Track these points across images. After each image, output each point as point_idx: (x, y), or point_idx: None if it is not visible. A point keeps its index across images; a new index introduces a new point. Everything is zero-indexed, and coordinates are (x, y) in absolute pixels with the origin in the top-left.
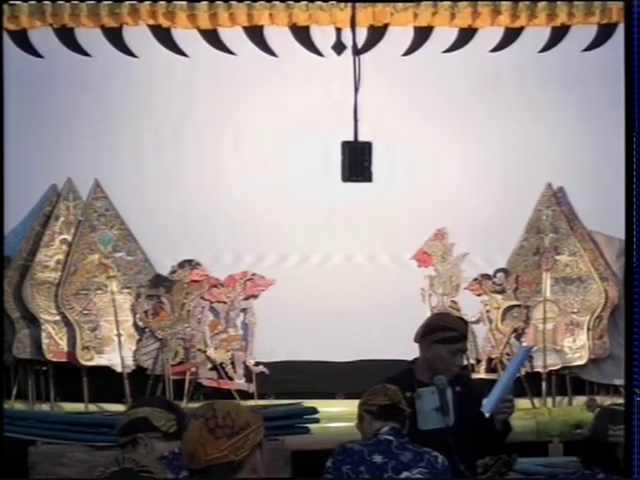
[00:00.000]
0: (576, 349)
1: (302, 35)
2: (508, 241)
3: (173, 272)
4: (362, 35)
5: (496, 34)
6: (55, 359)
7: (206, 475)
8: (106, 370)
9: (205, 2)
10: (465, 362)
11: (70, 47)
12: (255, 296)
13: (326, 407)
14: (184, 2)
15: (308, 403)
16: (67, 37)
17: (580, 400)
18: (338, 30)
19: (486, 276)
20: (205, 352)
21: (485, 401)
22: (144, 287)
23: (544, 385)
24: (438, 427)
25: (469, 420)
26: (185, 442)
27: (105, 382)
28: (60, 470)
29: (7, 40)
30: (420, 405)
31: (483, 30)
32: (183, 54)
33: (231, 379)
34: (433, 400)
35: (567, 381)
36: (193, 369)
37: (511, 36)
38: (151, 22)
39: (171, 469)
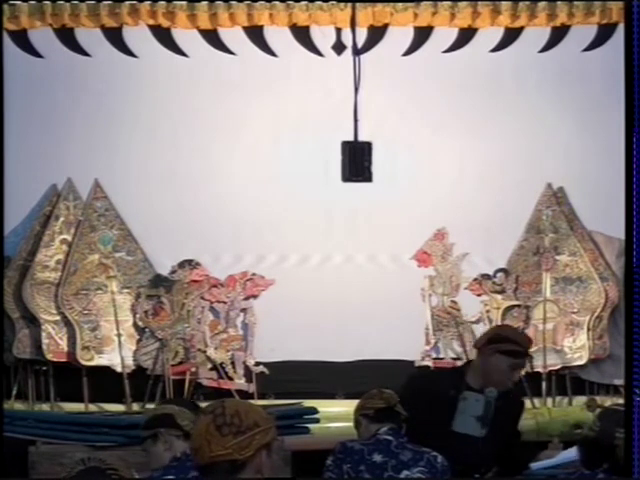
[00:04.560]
0: (576, 349)
1: (302, 35)
2: (508, 241)
3: (173, 272)
4: (362, 35)
5: (496, 34)
6: (55, 359)
7: (210, 471)
8: (106, 370)
9: (205, 2)
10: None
11: (70, 47)
12: (255, 296)
13: (326, 407)
14: (184, 2)
15: (308, 403)
16: (67, 37)
17: (580, 400)
18: (338, 30)
19: (486, 276)
20: (205, 352)
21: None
22: (144, 287)
23: (544, 385)
24: (470, 434)
25: (497, 434)
26: (192, 437)
27: (105, 382)
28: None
29: (7, 40)
30: (462, 407)
31: (483, 30)
32: (183, 54)
33: (231, 379)
34: (476, 408)
35: (567, 381)
36: (193, 369)
37: (511, 36)
38: (151, 22)
39: (182, 470)
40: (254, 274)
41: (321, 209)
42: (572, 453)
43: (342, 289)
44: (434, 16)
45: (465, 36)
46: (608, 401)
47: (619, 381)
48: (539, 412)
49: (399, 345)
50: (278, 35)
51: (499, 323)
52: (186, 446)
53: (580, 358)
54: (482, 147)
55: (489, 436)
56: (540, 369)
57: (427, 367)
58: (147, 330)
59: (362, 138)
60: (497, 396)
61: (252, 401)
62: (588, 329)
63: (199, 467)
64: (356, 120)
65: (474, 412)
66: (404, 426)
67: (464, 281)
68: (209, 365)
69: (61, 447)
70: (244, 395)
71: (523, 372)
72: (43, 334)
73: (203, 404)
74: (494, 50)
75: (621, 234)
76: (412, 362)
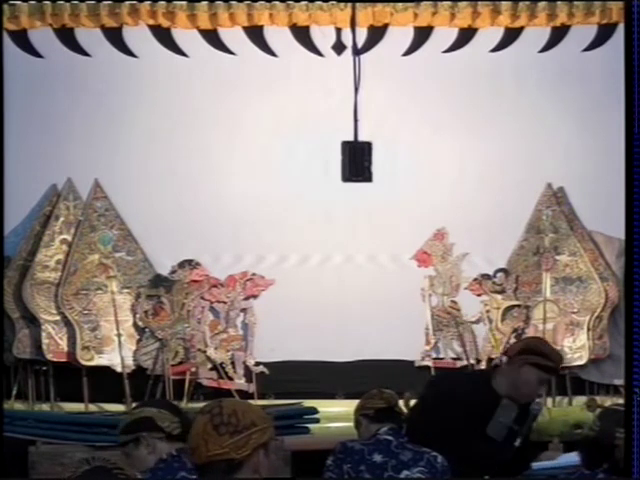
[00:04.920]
0: (576, 349)
1: (302, 35)
2: (508, 241)
3: (173, 272)
4: (362, 35)
5: (496, 34)
6: (55, 359)
7: (207, 471)
8: (106, 370)
9: (205, 2)
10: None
11: (70, 47)
12: (255, 296)
13: (326, 407)
14: (184, 2)
15: (308, 403)
16: (67, 37)
17: (580, 400)
18: (338, 30)
19: (486, 276)
20: (205, 352)
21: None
22: (144, 287)
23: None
24: (501, 440)
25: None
26: (190, 436)
27: (105, 382)
28: (60, 470)
29: (7, 40)
30: (499, 413)
31: (483, 30)
32: (183, 54)
33: (231, 379)
34: (514, 416)
35: (567, 381)
36: (193, 369)
37: (511, 36)
38: (151, 22)
39: (170, 470)
40: (254, 274)
41: (321, 209)
42: (573, 457)
43: (342, 289)
44: (434, 16)
45: (465, 36)
46: (608, 401)
47: (619, 381)
48: None
49: (399, 345)
50: (278, 35)
51: (499, 323)
52: (170, 447)
53: (580, 358)
54: (482, 147)
55: (516, 445)
56: None
57: (427, 367)
58: (147, 330)
59: (362, 138)
60: (540, 412)
61: (252, 401)
62: (588, 329)
63: (197, 467)
64: (356, 120)
65: (510, 420)
66: (404, 426)
67: (464, 281)
68: (209, 365)
69: (61, 447)
70: (244, 395)
71: None
72: (43, 334)
73: (203, 404)
74: (494, 50)
75: (621, 234)
76: (412, 362)
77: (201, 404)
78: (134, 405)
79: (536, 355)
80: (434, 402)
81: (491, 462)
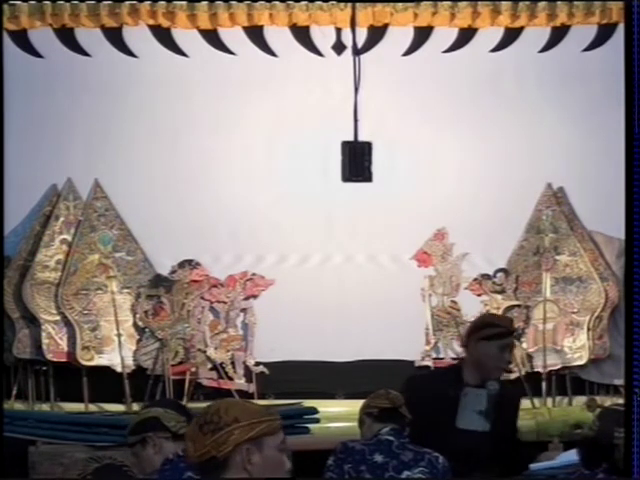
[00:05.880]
0: (576, 349)
1: (302, 35)
2: (508, 241)
3: (173, 272)
4: (362, 35)
5: (496, 34)
6: (55, 359)
7: (200, 472)
8: (106, 370)
9: (205, 2)
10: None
11: (70, 47)
12: (255, 296)
13: (326, 407)
14: (184, 2)
15: (308, 403)
16: (67, 37)
17: (580, 400)
18: (338, 30)
19: (486, 276)
20: (205, 352)
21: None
22: (144, 287)
23: (544, 385)
24: (474, 429)
25: (499, 428)
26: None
27: (105, 382)
28: (61, 470)
29: (7, 40)
30: (464, 403)
31: (483, 30)
32: (183, 54)
33: (231, 379)
34: (478, 402)
35: (567, 381)
36: (193, 369)
37: (511, 36)
38: (151, 22)
39: (176, 470)
40: (254, 274)
41: (321, 209)
42: (572, 456)
43: (342, 289)
44: (434, 16)
45: (465, 36)
46: (608, 401)
47: (619, 381)
48: (539, 412)
49: (399, 345)
50: (278, 35)
51: None
52: (176, 447)
53: (580, 358)
54: (482, 147)
55: (493, 430)
56: (540, 369)
57: (427, 367)
58: (147, 330)
59: (362, 138)
60: (499, 389)
61: (252, 401)
62: (588, 329)
63: (193, 468)
64: (356, 120)
65: (476, 407)
66: (407, 428)
67: (464, 281)
68: (209, 365)
69: (61, 447)
70: (244, 395)
71: (516, 352)
72: (43, 334)
73: (203, 404)
74: (494, 50)
75: (621, 234)
76: (412, 362)
77: (201, 404)
78: (135, 405)
79: (483, 329)
80: (409, 402)
81: (473, 455)
